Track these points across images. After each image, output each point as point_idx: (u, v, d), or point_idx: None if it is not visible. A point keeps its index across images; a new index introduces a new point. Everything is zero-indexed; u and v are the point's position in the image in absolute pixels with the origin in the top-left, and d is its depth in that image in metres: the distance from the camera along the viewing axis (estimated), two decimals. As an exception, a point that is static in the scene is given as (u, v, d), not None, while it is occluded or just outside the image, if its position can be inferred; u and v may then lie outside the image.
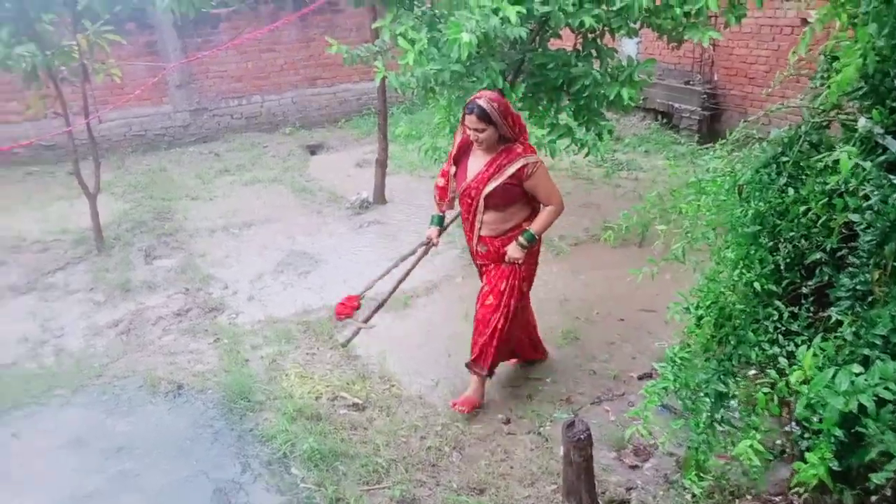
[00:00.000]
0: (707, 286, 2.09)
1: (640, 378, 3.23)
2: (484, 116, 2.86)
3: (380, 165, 5.89)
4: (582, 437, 2.19)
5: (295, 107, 9.19)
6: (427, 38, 3.78)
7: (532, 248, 3.09)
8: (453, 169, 3.14)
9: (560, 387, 3.27)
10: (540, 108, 4.53)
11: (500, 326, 3.04)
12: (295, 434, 2.79)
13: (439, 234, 3.36)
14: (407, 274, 3.38)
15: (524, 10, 3.44)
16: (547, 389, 3.26)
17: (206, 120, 8.76)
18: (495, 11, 3.37)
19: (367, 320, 3.27)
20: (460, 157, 3.14)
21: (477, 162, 3.04)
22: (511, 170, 2.91)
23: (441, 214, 3.38)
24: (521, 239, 3.02)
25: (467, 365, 3.10)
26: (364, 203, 5.84)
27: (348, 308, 3.22)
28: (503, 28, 3.40)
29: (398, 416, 3.00)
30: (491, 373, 3.11)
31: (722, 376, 1.98)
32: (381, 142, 5.83)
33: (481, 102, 2.86)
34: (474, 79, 4.15)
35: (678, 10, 3.72)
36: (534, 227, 3.03)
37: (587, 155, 4.70)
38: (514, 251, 3.04)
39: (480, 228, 3.09)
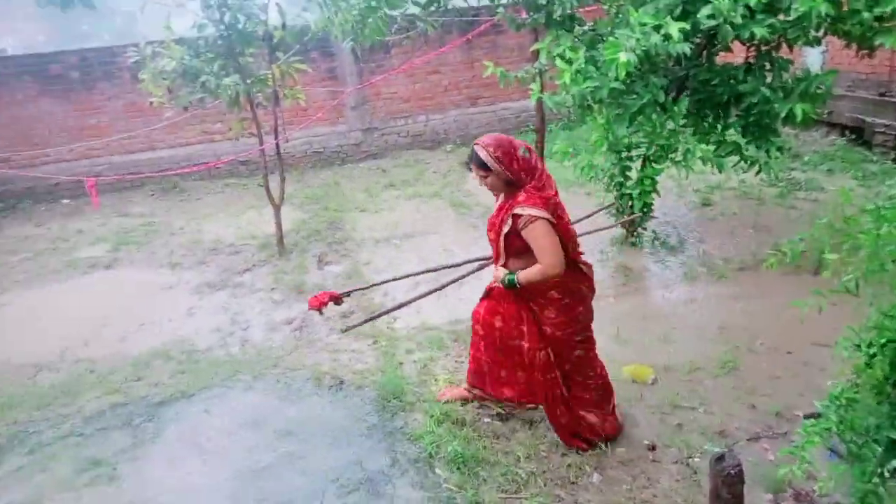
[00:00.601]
0: (883, 323, 1.91)
1: (807, 417, 2.97)
2: (480, 164, 2.76)
3: (535, 182, 5.96)
4: (732, 472, 2.09)
5: (456, 125, 9.58)
6: (585, 58, 3.81)
7: (543, 313, 2.87)
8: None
9: (714, 418, 3.11)
10: (705, 124, 4.35)
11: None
12: (441, 436, 2.94)
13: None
14: (441, 288, 3.37)
15: (688, 27, 3.34)
16: (698, 419, 3.11)
17: (376, 138, 9.42)
18: (657, 28, 3.31)
19: (373, 317, 3.34)
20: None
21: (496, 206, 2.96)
22: (509, 219, 2.75)
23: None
24: (507, 277, 2.82)
25: None
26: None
27: (318, 302, 3.09)
28: (665, 45, 3.33)
29: (540, 431, 3.04)
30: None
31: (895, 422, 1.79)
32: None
33: (478, 150, 2.75)
34: (634, 95, 4.10)
35: (866, 15, 3.39)
36: (521, 273, 2.79)
37: (758, 173, 4.42)
38: (499, 273, 2.88)
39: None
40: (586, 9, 4.92)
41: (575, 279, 2.89)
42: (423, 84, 9.39)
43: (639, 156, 4.81)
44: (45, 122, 8.55)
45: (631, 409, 3.17)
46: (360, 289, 3.74)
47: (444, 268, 3.61)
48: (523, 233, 2.72)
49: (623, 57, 3.29)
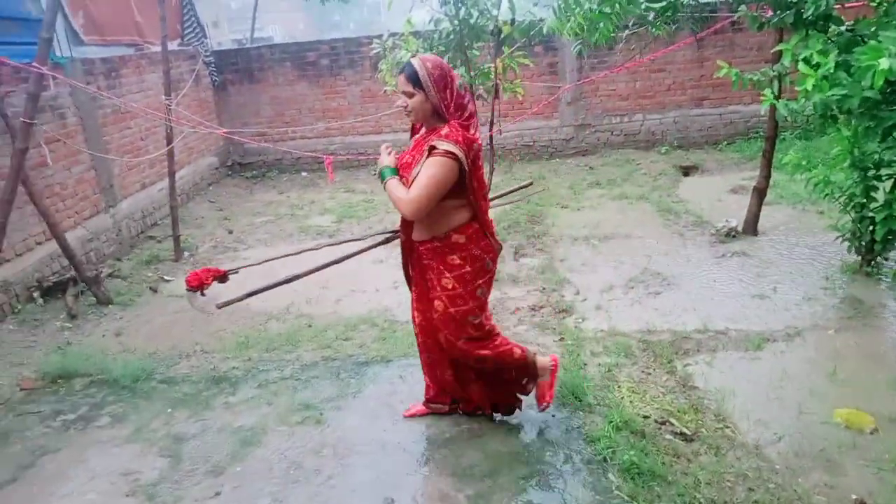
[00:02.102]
0: None
1: None
2: (411, 78, 2.47)
3: (758, 194, 5.49)
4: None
5: (675, 126, 9.10)
6: (836, 62, 3.41)
7: (455, 272, 2.65)
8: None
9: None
10: None
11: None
12: (617, 443, 2.89)
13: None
14: (342, 259, 3.22)
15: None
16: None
17: (588, 135, 9.31)
18: (932, 32, 2.86)
19: (250, 294, 3.01)
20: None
21: (412, 141, 2.69)
22: (426, 155, 2.46)
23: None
24: (387, 166, 2.63)
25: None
26: (731, 232, 5.53)
27: (197, 280, 2.81)
28: (940, 51, 2.87)
29: (727, 460, 2.85)
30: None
31: None
32: (764, 168, 5.42)
33: (414, 62, 2.49)
34: (893, 108, 3.59)
35: None
36: (392, 180, 2.57)
37: None
38: (383, 158, 2.67)
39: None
40: (847, 5, 4.38)
41: (480, 245, 2.67)
42: (644, 82, 9.06)
43: (889, 176, 4.20)
44: (297, 104, 9.78)
45: (840, 458, 2.83)
46: (249, 266, 3.26)
47: (344, 241, 3.42)
48: (427, 159, 2.46)
49: (884, 63, 2.89)
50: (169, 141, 6.41)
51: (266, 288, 3.04)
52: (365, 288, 5.26)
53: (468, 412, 3.19)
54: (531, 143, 9.41)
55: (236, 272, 3.00)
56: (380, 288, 5.24)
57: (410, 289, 3.03)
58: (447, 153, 2.42)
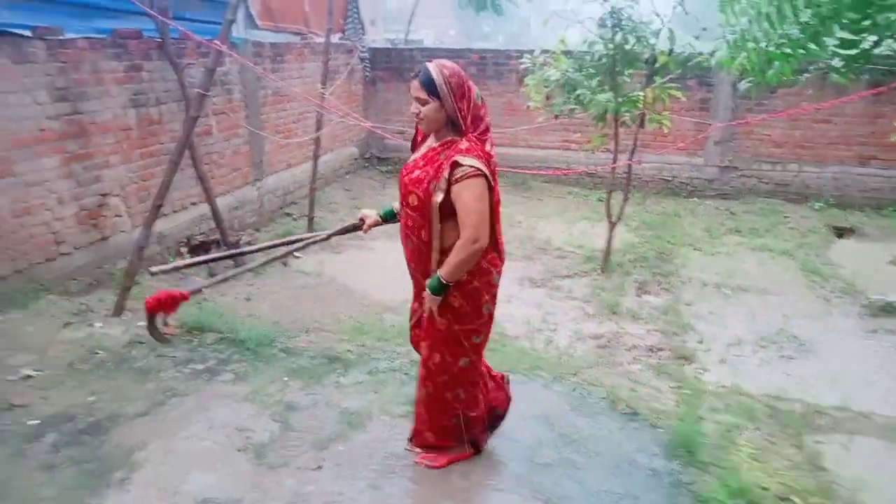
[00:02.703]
0: None
1: None
2: (426, 85, 2.31)
3: (925, 270, 4.95)
4: None
5: (834, 183, 8.41)
6: None
7: (445, 296, 2.42)
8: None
9: None
10: None
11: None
12: (730, 510, 2.70)
13: (374, 224, 2.87)
14: (300, 245, 3.02)
15: None
16: None
17: (732, 178, 8.82)
18: None
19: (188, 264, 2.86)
20: (418, 141, 2.60)
21: (418, 154, 2.48)
22: (446, 171, 2.29)
23: (392, 208, 2.81)
24: (428, 286, 2.42)
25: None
26: (888, 307, 5.01)
27: (156, 303, 2.51)
28: None
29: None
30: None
31: None
32: (937, 244, 4.87)
33: (431, 68, 2.32)
34: None
35: None
36: (442, 269, 2.36)
37: None
38: (427, 300, 2.46)
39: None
40: None
41: (487, 259, 2.48)
42: (805, 131, 8.45)
43: None
44: (438, 107, 10.00)
45: None
46: (213, 284, 3.04)
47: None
48: (454, 187, 2.30)
49: None
50: (318, 127, 6.79)
51: (209, 259, 3.13)
52: (480, 296, 5.27)
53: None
54: (670, 179, 9.05)
55: (200, 291, 2.78)
56: (494, 299, 5.23)
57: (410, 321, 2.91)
58: (475, 171, 2.32)
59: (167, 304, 2.47)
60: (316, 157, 6.80)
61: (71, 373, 3.60)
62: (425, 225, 2.42)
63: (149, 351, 3.89)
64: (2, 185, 4.18)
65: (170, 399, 3.41)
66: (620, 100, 5.41)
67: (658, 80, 5.43)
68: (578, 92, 5.47)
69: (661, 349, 4.41)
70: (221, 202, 6.15)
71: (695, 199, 8.76)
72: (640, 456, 3.09)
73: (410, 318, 2.90)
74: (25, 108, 4.30)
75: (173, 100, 5.63)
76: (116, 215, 5.20)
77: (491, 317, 2.64)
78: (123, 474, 2.77)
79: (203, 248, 5.74)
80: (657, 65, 5.38)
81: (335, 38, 8.92)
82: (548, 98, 5.83)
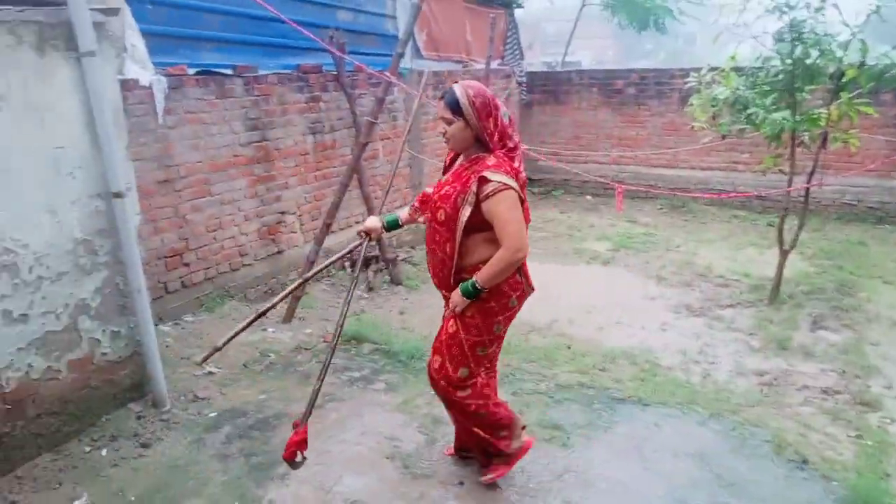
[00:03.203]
0: None
1: None
2: (453, 105, 2.38)
3: None
4: None
5: None
6: None
7: (477, 300, 2.48)
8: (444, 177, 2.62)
9: None
10: None
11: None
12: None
13: (380, 233, 2.86)
14: (311, 275, 3.11)
15: None
16: None
17: (935, 203, 7.72)
18: None
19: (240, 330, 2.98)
20: (452, 161, 2.63)
21: (450, 172, 2.55)
22: (473, 185, 2.36)
23: (397, 217, 2.87)
24: (461, 287, 2.49)
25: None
26: None
27: (293, 448, 2.57)
28: None
29: None
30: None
31: None
32: None
33: (456, 87, 2.39)
34: None
35: None
36: (479, 275, 2.43)
37: None
38: (455, 297, 2.52)
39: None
40: None
41: (508, 282, 2.51)
42: None
43: None
44: (595, 128, 9.89)
45: None
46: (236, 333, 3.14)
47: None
48: (485, 204, 2.36)
49: None
50: (474, 150, 6.98)
51: (241, 330, 3.26)
52: (631, 322, 5.10)
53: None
54: (854, 203, 8.13)
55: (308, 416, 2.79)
56: (646, 326, 5.03)
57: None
58: (505, 185, 2.35)
59: (299, 445, 2.60)
60: (470, 179, 6.99)
61: (245, 372, 4.02)
62: (451, 239, 2.48)
63: (312, 357, 4.23)
64: (201, 204, 4.80)
65: (328, 403, 3.67)
66: (799, 118, 4.99)
67: (844, 95, 4.93)
68: (750, 111, 5.12)
69: (838, 392, 3.96)
70: (381, 221, 6.54)
71: (886, 226, 7.76)
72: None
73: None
74: (224, 137, 4.92)
75: (345, 127, 6.12)
76: (291, 232, 5.74)
77: (501, 337, 2.68)
78: (284, 470, 3.02)
79: (364, 263, 6.12)
80: (844, 79, 4.89)
81: (494, 65, 9.16)
82: (714, 117, 5.53)
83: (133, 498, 2.65)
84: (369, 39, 6.97)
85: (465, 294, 2.48)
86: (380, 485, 2.94)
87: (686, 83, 5.81)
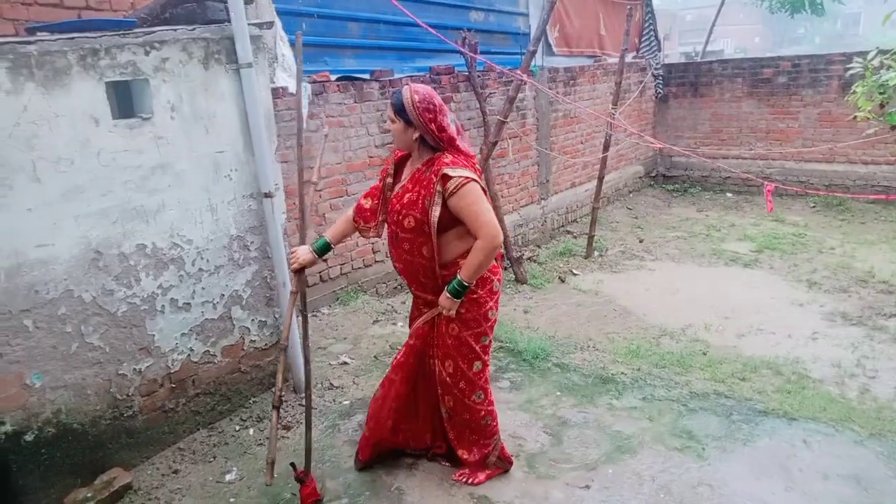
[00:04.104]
0: None
1: None
2: (397, 105, 2.47)
3: None
4: None
5: None
6: None
7: (466, 297, 2.54)
8: (389, 180, 2.70)
9: None
10: None
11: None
12: None
13: (309, 263, 2.71)
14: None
15: None
16: None
17: None
18: None
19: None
20: (395, 174, 2.70)
21: (404, 179, 2.60)
22: (438, 184, 2.40)
23: (326, 241, 2.77)
24: (448, 289, 2.49)
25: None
26: None
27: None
28: None
29: None
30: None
31: None
32: None
33: (403, 90, 2.46)
34: None
35: None
36: (462, 272, 2.45)
37: None
38: (444, 301, 2.53)
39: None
40: None
41: (490, 268, 2.58)
42: None
43: None
44: (739, 121, 9.27)
45: None
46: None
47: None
48: (452, 200, 2.41)
49: None
50: (606, 147, 6.80)
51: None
52: (775, 329, 4.74)
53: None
54: None
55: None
56: (793, 334, 4.65)
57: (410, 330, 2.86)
58: (467, 178, 2.41)
59: (312, 495, 2.80)
60: (601, 177, 6.83)
61: (375, 363, 4.20)
62: (427, 242, 2.50)
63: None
64: (340, 203, 5.08)
65: (455, 397, 3.75)
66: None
67: None
68: (924, 97, 4.57)
69: None
70: (508, 219, 6.55)
71: None
72: None
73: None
74: (360, 139, 5.17)
75: (475, 126, 6.20)
76: (421, 229, 5.91)
77: (495, 321, 2.73)
78: (411, 461, 3.13)
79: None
80: None
81: (628, 58, 8.85)
82: (882, 106, 4.98)
83: (277, 475, 2.87)
84: (501, 38, 7.00)
85: (454, 294, 2.51)
86: (504, 483, 2.96)
87: (848, 69, 5.29)
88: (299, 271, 2.72)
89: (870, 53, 5.04)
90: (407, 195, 2.54)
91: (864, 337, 4.58)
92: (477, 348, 2.68)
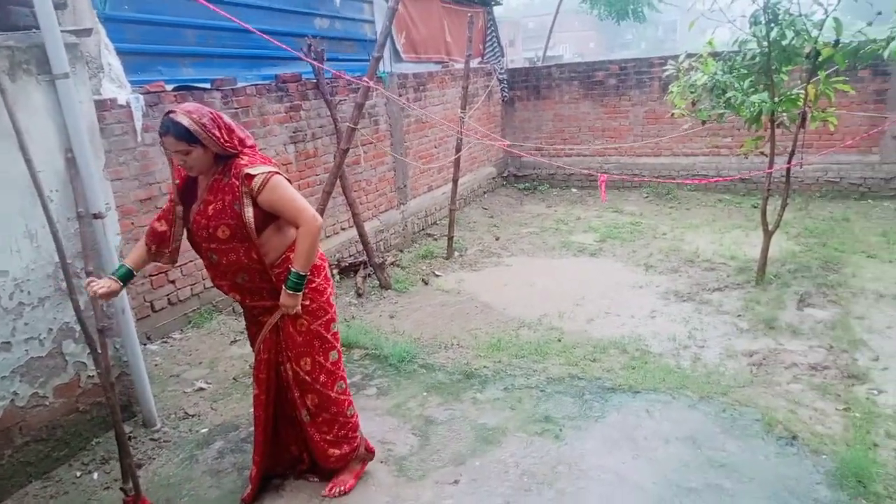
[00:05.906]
0: None
1: None
2: (183, 135, 2.32)
3: None
4: None
5: None
6: None
7: (307, 288, 2.56)
8: (180, 208, 2.55)
9: None
10: None
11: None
12: (909, 552, 2.38)
13: (113, 292, 2.57)
14: None
15: None
16: None
17: (916, 176, 7.80)
18: None
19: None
20: (187, 191, 2.56)
21: (201, 193, 2.51)
22: (242, 187, 2.37)
23: (128, 269, 2.64)
24: (286, 286, 2.47)
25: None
26: None
27: None
28: None
29: None
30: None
31: None
32: None
33: (177, 117, 2.31)
34: None
35: None
36: (295, 264, 2.46)
37: None
38: (285, 299, 2.50)
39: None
40: None
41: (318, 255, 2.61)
42: None
43: None
44: (578, 121, 9.93)
45: None
46: None
47: None
48: (261, 196, 2.39)
49: None
50: (458, 150, 7.01)
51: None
52: (620, 311, 5.13)
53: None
54: (837, 180, 8.20)
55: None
56: (635, 314, 5.06)
57: (253, 348, 2.79)
58: (270, 172, 2.41)
59: None
60: (455, 180, 7.02)
61: (236, 385, 4.02)
62: (249, 245, 2.47)
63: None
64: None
65: (321, 410, 3.68)
66: (777, 99, 5.02)
67: (821, 74, 4.96)
68: (729, 95, 5.16)
69: (826, 367, 4.00)
70: (369, 226, 6.54)
71: (868, 200, 7.84)
72: (800, 484, 2.83)
73: (254, 350, 2.80)
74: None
75: (327, 134, 6.12)
76: (277, 242, 5.73)
77: (334, 308, 2.73)
78: (278, 481, 3.03)
79: (352, 268, 6.13)
80: (820, 59, 4.92)
81: (474, 63, 9.19)
82: (693, 104, 5.56)
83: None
84: (348, 45, 6.98)
85: (295, 288, 2.49)
86: (374, 490, 2.95)
87: (665, 71, 5.84)
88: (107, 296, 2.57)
89: (680, 56, 5.61)
90: (210, 207, 2.45)
91: (694, 311, 5.09)
92: (329, 337, 2.68)
